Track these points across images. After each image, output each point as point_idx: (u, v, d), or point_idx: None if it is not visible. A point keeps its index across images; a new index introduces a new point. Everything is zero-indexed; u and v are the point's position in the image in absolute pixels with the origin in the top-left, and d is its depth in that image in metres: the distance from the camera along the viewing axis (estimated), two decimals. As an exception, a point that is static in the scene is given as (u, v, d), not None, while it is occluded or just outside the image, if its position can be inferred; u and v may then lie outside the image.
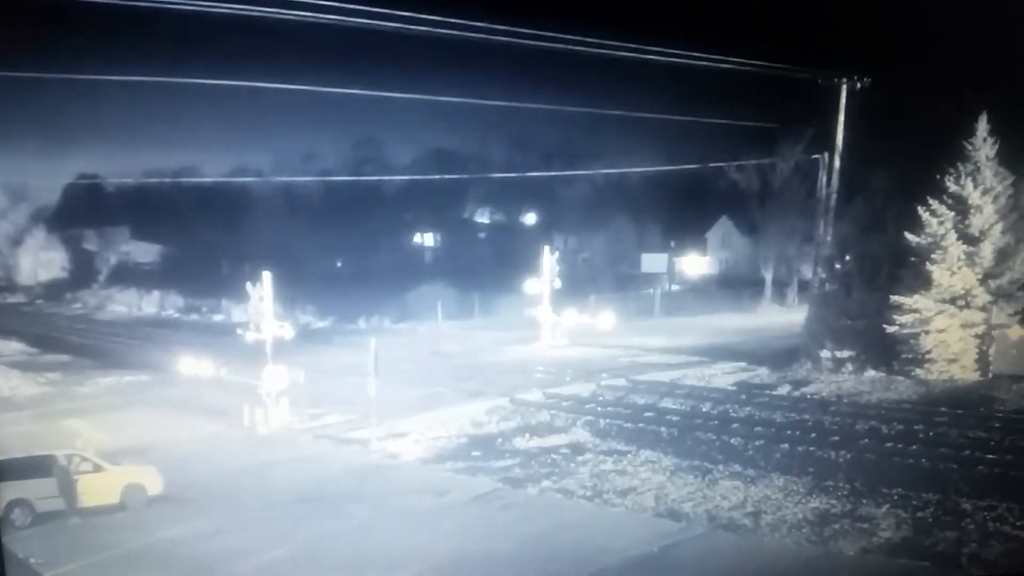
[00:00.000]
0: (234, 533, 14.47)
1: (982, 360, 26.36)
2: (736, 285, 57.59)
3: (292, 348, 32.30)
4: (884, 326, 27.07)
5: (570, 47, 26.55)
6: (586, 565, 12.78)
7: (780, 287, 53.89)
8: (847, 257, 29.29)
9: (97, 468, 16.00)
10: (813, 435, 19.87)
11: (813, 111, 32.71)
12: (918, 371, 26.47)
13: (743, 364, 30.83)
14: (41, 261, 70.25)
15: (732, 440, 19.94)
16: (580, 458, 19.20)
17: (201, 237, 63.93)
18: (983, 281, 26.42)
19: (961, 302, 26.32)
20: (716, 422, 21.71)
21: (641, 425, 21.65)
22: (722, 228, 68.14)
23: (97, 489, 15.70)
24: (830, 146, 31.58)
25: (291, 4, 20.73)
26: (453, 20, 23.73)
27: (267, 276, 22.94)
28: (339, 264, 69.74)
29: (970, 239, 26.42)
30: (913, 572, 13.04)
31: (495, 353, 35.94)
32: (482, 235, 78.16)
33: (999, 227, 26.47)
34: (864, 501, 15.57)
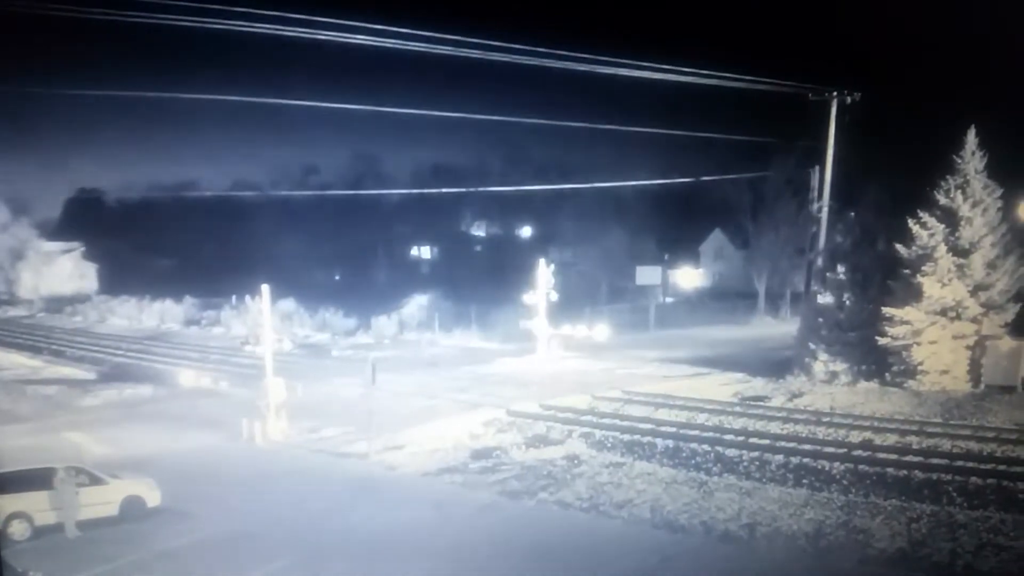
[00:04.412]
0: (233, 545, 14.54)
1: (974, 371, 26.61)
2: (729, 297, 57.94)
3: (290, 360, 32.44)
4: (876, 338, 27.34)
5: (565, 64, 26.98)
6: (584, 577, 12.88)
7: (773, 299, 54.25)
8: (839, 269, 29.56)
9: (96, 480, 16.03)
10: (807, 446, 20.03)
11: (804, 126, 33.14)
12: (911, 382, 26.71)
13: (737, 376, 31.04)
14: (42, 275, 70.32)
15: (727, 451, 20.07)
16: (576, 470, 19.28)
17: (201, 251, 64.21)
18: (974, 293, 26.70)
19: (952, 314, 26.60)
20: (711, 433, 21.83)
21: (637, 437, 21.74)
22: (715, 241, 68.65)
23: (96, 501, 15.72)
24: (821, 160, 31.98)
25: (292, 22, 21.05)
26: (450, 37, 24.15)
27: (266, 289, 23.08)
28: (337, 277, 70.03)
29: (960, 251, 26.73)
30: (908, 583, 13.16)
31: (491, 365, 36.08)
32: (478, 248, 78.57)
33: (989, 239, 26.79)
34: (859, 512, 15.68)
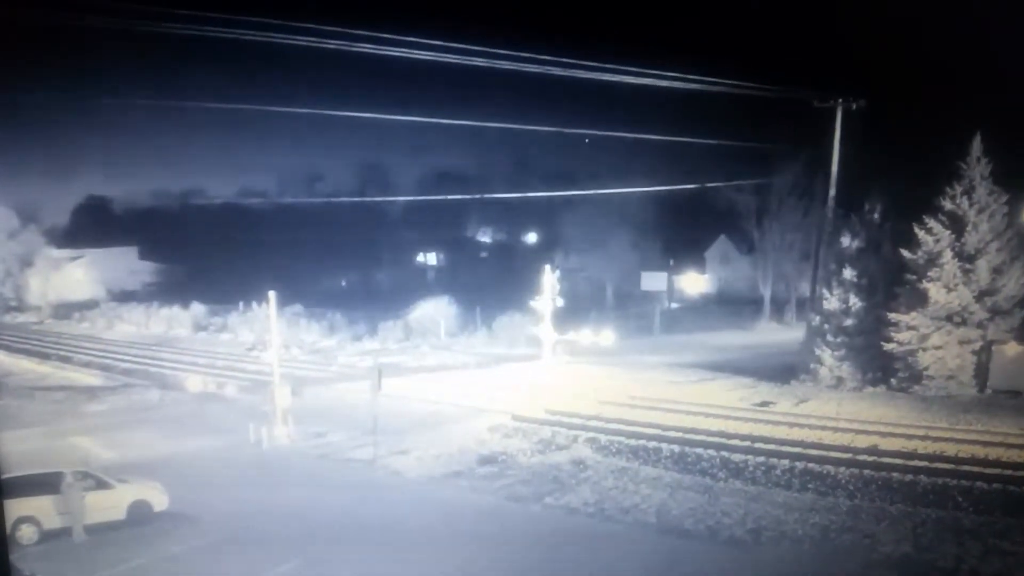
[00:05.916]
0: (239, 549, 14.60)
1: (980, 376, 26.56)
2: (735, 303, 57.88)
3: (297, 366, 32.56)
4: (882, 343, 27.31)
5: (571, 72, 27.15)
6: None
7: (778, 305, 54.16)
8: (845, 275, 29.56)
9: (103, 485, 16.13)
10: (813, 451, 20.00)
11: (810, 132, 33.23)
12: (916, 387, 26.69)
13: (743, 381, 31.04)
14: (51, 281, 70.71)
15: (733, 456, 20.08)
16: (582, 475, 19.32)
17: (209, 257, 64.54)
18: (979, 298, 26.67)
19: (958, 319, 26.58)
20: (717, 438, 21.81)
21: (643, 442, 21.77)
22: (721, 247, 68.64)
23: (104, 506, 15.82)
24: (826, 166, 32.03)
25: (300, 31, 21.27)
26: (456, 46, 24.34)
27: (272, 296, 23.23)
28: (344, 283, 70.30)
29: (966, 257, 26.72)
30: (914, 587, 13.15)
31: (497, 370, 36.14)
32: (484, 254, 78.79)
33: (994, 245, 26.77)
34: (864, 517, 15.69)
